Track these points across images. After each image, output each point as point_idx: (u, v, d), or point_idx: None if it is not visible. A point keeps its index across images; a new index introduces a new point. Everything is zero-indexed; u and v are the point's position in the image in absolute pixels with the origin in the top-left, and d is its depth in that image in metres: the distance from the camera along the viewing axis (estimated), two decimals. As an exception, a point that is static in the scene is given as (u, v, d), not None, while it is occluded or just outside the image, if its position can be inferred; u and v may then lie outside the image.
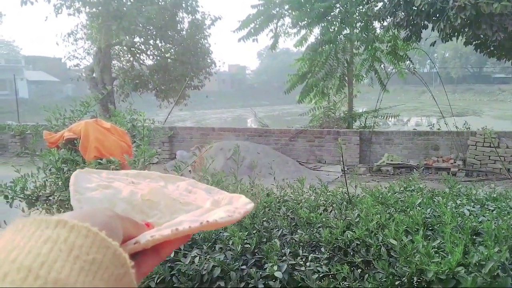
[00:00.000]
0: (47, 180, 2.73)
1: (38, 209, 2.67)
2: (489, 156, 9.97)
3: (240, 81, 71.83)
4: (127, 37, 14.84)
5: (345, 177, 2.54)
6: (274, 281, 1.91)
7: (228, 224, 0.58)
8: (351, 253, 2.00)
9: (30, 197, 2.70)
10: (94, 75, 15.15)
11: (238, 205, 0.64)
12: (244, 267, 2.01)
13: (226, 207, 0.62)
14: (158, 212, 0.64)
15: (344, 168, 3.22)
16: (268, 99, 57.42)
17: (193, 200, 0.68)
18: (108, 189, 0.64)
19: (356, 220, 2.17)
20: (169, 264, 2.15)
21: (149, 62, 17.28)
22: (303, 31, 13.76)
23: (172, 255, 2.16)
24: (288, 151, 11.41)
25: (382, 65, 14.06)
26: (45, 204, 2.67)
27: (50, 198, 2.68)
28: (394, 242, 1.85)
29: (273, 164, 7.49)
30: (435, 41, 9.73)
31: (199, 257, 2.06)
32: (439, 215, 2.22)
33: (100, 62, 14.88)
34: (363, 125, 12.94)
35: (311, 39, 13.92)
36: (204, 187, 0.74)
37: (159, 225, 0.58)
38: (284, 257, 1.98)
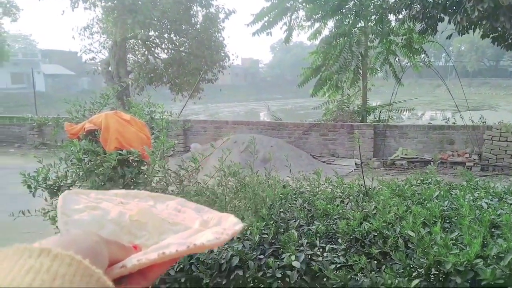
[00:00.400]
0: (68, 170, 2.80)
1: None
2: (506, 151, 9.82)
3: (253, 74, 71.75)
4: (142, 30, 14.94)
5: (362, 169, 2.55)
6: (291, 271, 1.93)
7: (215, 246, 0.57)
8: (368, 245, 2.01)
9: (52, 187, 2.77)
10: (110, 68, 15.31)
11: (226, 225, 0.64)
12: (261, 256, 2.04)
13: (214, 229, 0.62)
14: (146, 233, 0.63)
15: (361, 159, 3.22)
16: (281, 92, 57.28)
17: (182, 220, 0.68)
18: (96, 210, 0.63)
19: (373, 212, 2.18)
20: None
21: (163, 55, 17.39)
22: (317, 24, 13.67)
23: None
24: (302, 145, 11.40)
25: (396, 59, 13.89)
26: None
27: (71, 188, 2.74)
28: (411, 233, 1.85)
29: (286, 157, 7.51)
30: (451, 34, 9.57)
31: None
32: (456, 208, 2.22)
33: (115, 56, 15.03)
34: (377, 119, 12.85)
35: (325, 32, 13.83)
36: (193, 207, 0.73)
37: (146, 247, 0.58)
38: (301, 248, 2.00)
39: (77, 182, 2.73)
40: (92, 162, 2.61)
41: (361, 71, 13.17)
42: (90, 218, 0.61)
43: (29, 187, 2.77)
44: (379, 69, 14.47)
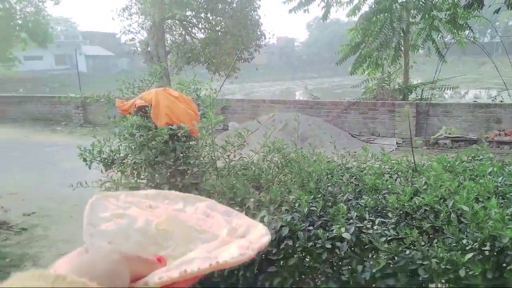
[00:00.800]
0: (121, 145, 2.93)
1: (114, 171, 2.89)
2: (558, 130, 9.32)
3: (289, 53, 70.84)
4: (179, 10, 15.04)
5: (411, 145, 2.52)
6: (341, 243, 1.97)
7: (239, 263, 0.56)
8: (419, 219, 2.00)
9: (106, 160, 2.92)
10: (149, 49, 15.58)
11: (253, 237, 0.63)
12: (311, 228, 2.08)
13: (240, 242, 0.61)
14: (173, 243, 0.63)
15: (410, 134, 3.17)
16: (317, 71, 56.34)
17: (210, 227, 0.68)
18: (123, 219, 0.63)
19: (423, 187, 2.16)
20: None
21: (200, 35, 17.49)
22: (356, 0, 13.27)
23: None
24: (340, 124, 11.27)
25: (440, 35, 13.30)
26: (120, 167, 2.88)
27: (124, 161, 2.88)
28: (466, 208, 1.83)
29: (324, 136, 7.46)
30: (499, 8, 9.02)
31: (268, 216, 2.15)
32: (511, 184, 2.16)
33: (154, 36, 15.26)
34: (419, 97, 12.46)
35: (365, 8, 13.40)
36: (223, 210, 0.73)
37: (173, 258, 0.58)
38: (350, 220, 2.02)
39: (129, 156, 2.86)
40: (143, 137, 2.72)
41: (402, 48, 12.75)
42: (116, 228, 0.61)
43: (84, 160, 2.93)
44: (421, 46, 13.93)
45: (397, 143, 10.00)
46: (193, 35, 17.44)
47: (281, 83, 46.52)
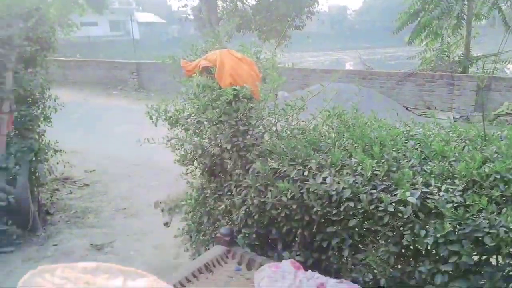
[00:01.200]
0: (185, 104, 3.04)
1: (178, 129, 3.02)
2: None
3: (340, 22, 68.40)
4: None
5: (482, 113, 2.43)
6: (404, 207, 1.97)
7: None
8: (488, 187, 1.96)
9: (171, 118, 3.05)
10: (201, 15, 15.65)
11: None
12: (373, 191, 2.09)
13: None
14: None
15: (483, 102, 3.04)
16: (370, 41, 54.15)
17: None
18: None
19: (494, 156, 2.10)
20: (299, 184, 2.32)
21: (252, 1, 17.29)
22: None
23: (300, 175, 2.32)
24: (394, 95, 10.92)
25: (508, 3, 12.29)
26: (184, 125, 3.00)
27: (188, 120, 2.99)
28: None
29: (378, 108, 7.27)
30: None
31: (329, 178, 2.18)
32: None
33: (206, 2, 15.27)
34: (479, 70, 11.72)
35: (425, -28, 12.59)
36: None
37: None
38: (416, 186, 2.01)
39: (193, 115, 2.96)
40: (207, 97, 2.80)
41: (465, 17, 11.95)
42: None
43: (150, 118, 3.07)
44: (486, 15, 12.97)
45: (454, 118, 9.58)
46: (244, 1, 17.27)
47: (331, 53, 45.26)
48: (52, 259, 4.64)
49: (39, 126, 5.64)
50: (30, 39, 5.10)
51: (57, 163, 5.84)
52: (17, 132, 5.27)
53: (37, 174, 5.50)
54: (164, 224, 4.08)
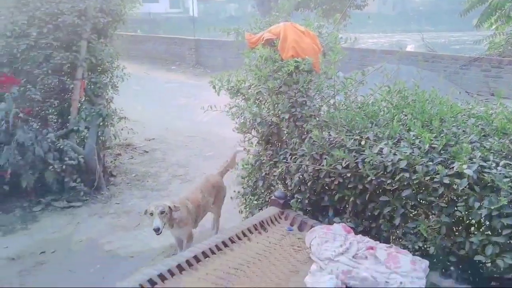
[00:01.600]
0: (247, 75, 3.18)
1: (239, 99, 3.17)
2: None
3: (403, 3, 65.25)
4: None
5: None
6: (460, 180, 1.99)
7: None
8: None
9: (233, 88, 3.20)
10: (260, -8, 15.61)
11: None
12: (430, 163, 2.13)
13: None
14: None
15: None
16: (433, 24, 51.15)
17: None
18: None
19: (559, 136, 2.06)
20: (354, 154, 2.40)
21: (312, -21, 16.95)
22: None
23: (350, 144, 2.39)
24: (457, 80, 10.43)
25: None
26: (245, 95, 3.15)
27: (249, 90, 3.13)
28: None
29: (439, 92, 7.03)
30: None
31: (386, 148, 2.24)
32: None
33: (265, -21, 15.20)
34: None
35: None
36: None
37: None
38: (473, 160, 2.02)
39: (254, 85, 3.10)
40: (269, 68, 2.92)
41: (544, -1, 11.05)
42: None
43: (214, 87, 3.24)
44: None
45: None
46: (304, -21, 16.97)
47: (391, 35, 43.41)
48: (114, 216, 5.07)
49: (107, 94, 6.07)
50: (104, 11, 5.46)
51: (121, 130, 6.26)
52: (87, 98, 5.72)
53: (103, 138, 5.95)
54: (155, 230, 3.27)
